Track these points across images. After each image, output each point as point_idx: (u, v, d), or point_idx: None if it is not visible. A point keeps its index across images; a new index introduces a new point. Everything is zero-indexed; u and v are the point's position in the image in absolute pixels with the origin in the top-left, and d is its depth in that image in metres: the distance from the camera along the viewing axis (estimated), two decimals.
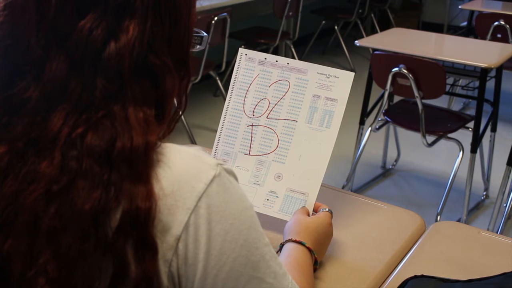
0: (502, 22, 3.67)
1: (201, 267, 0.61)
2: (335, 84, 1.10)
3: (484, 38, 3.73)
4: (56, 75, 0.61)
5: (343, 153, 3.23)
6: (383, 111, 2.84)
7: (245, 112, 1.13)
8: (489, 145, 3.08)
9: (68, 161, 0.59)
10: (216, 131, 1.15)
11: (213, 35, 3.43)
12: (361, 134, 3.02)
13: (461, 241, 1.13)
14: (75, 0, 0.61)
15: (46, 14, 0.61)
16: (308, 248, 0.94)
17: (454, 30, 6.27)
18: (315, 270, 0.96)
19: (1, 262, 0.58)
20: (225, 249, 0.62)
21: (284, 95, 1.12)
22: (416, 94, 2.60)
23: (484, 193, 3.05)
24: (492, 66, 2.61)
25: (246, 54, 1.15)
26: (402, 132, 3.20)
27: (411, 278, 0.96)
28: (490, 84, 2.85)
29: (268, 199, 1.10)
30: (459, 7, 4.60)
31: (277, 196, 1.09)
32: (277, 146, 1.11)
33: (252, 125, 1.13)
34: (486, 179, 3.06)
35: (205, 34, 0.82)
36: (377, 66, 2.76)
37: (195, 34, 0.75)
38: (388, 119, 2.84)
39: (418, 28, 6.17)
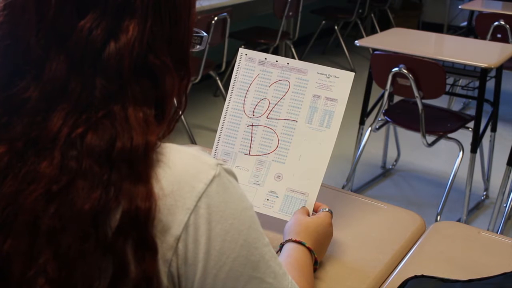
0: (502, 22, 3.67)
1: (201, 267, 0.61)
2: (335, 84, 1.10)
3: (484, 38, 3.73)
4: (56, 75, 0.61)
5: (343, 153, 3.23)
6: (383, 111, 2.84)
7: (245, 112, 1.13)
8: (489, 145, 3.08)
9: (68, 161, 0.59)
10: (216, 131, 1.15)
11: (213, 35, 3.43)
12: (361, 134, 3.02)
13: (461, 241, 1.13)
14: (75, 0, 0.61)
15: (46, 14, 0.61)
16: (308, 248, 0.94)
17: (454, 30, 6.27)
18: (315, 270, 0.96)
19: (1, 262, 0.58)
20: (225, 249, 0.62)
21: (284, 95, 1.12)
22: (416, 94, 2.60)
23: (484, 193, 3.05)
24: (492, 66, 2.61)
25: (246, 54, 1.15)
26: (402, 132, 3.20)
27: (411, 278, 0.96)
28: (490, 84, 2.85)
29: (268, 199, 1.10)
30: (459, 7, 4.60)
31: (277, 196, 1.09)
32: (277, 146, 1.11)
33: (252, 125, 1.13)
34: (486, 179, 3.06)
35: (205, 34, 0.82)
36: (377, 66, 2.76)
37: (195, 34, 0.75)
38: (388, 119, 2.84)
39: (418, 28, 6.17)
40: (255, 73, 1.14)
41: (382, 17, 6.18)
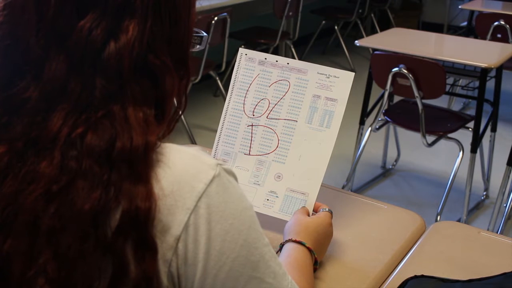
0: (502, 22, 3.67)
1: (201, 267, 0.61)
2: (335, 84, 1.10)
3: (484, 38, 3.73)
4: (56, 75, 0.61)
5: (343, 153, 3.23)
6: (383, 111, 2.84)
7: (245, 112, 1.13)
8: (489, 145, 3.08)
9: (67, 161, 0.59)
10: (216, 131, 1.15)
11: (213, 35, 3.43)
12: (361, 134, 3.02)
13: (461, 241, 1.13)
14: (75, 0, 0.61)
15: (46, 14, 0.61)
16: (308, 248, 0.94)
17: (454, 30, 6.27)
18: (315, 270, 0.96)
19: (1, 262, 0.58)
20: (225, 249, 0.62)
21: (284, 95, 1.12)
22: (416, 94, 2.60)
23: (484, 193, 3.05)
24: (492, 66, 2.61)
25: (246, 54, 1.15)
26: (402, 132, 3.20)
27: (411, 278, 0.96)
28: (490, 84, 2.85)
29: (268, 199, 1.10)
30: (459, 7, 4.60)
31: (277, 196, 1.09)
32: (277, 146, 1.11)
33: (252, 125, 1.13)
34: (486, 179, 3.06)
35: (205, 34, 0.82)
36: (377, 66, 2.76)
37: (195, 34, 0.75)
38: (388, 119, 2.84)
39: (418, 28, 6.17)
40: (255, 73, 1.14)
41: (382, 17, 6.18)
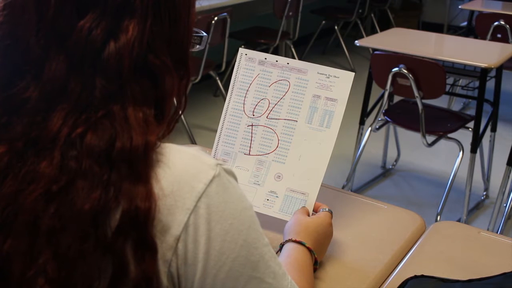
0: (502, 22, 3.67)
1: (201, 267, 0.61)
2: (335, 84, 1.10)
3: (484, 38, 3.73)
4: (56, 75, 0.61)
5: (343, 153, 3.23)
6: (383, 111, 2.84)
7: (245, 112, 1.13)
8: (489, 145, 3.08)
9: (67, 161, 0.59)
10: (216, 131, 1.15)
11: (213, 35, 3.43)
12: (361, 134, 3.02)
13: (461, 241, 1.13)
14: (75, 0, 0.61)
15: (46, 14, 0.61)
16: (308, 248, 0.94)
17: (454, 30, 6.27)
18: (315, 270, 0.96)
19: (1, 262, 0.58)
20: (225, 249, 0.62)
21: (284, 95, 1.12)
22: (416, 94, 2.60)
23: (484, 193, 3.05)
24: (492, 66, 2.61)
25: (246, 54, 1.15)
26: (402, 132, 3.20)
27: (411, 278, 0.96)
28: (490, 84, 2.85)
29: (268, 199, 1.10)
30: (459, 7, 4.60)
31: (277, 196, 1.09)
32: (277, 146, 1.11)
33: (252, 125, 1.13)
34: (486, 179, 3.06)
35: (204, 34, 0.82)
36: (377, 66, 2.76)
37: (194, 34, 0.75)
38: (388, 119, 2.84)
39: (418, 28, 6.17)
40: (255, 73, 1.14)
41: (382, 17, 6.18)
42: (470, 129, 2.73)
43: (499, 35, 3.71)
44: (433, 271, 0.99)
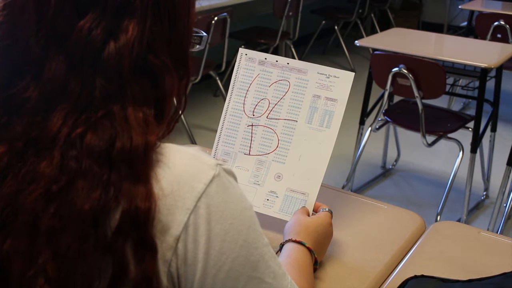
0: (502, 22, 3.67)
1: (201, 267, 0.61)
2: (335, 84, 1.10)
3: (484, 38, 3.73)
4: (56, 75, 0.61)
5: (343, 153, 3.23)
6: (383, 111, 2.84)
7: (245, 112, 1.13)
8: (489, 145, 3.08)
9: (67, 161, 0.59)
10: (216, 131, 1.15)
11: (213, 35, 3.43)
12: (361, 134, 3.02)
13: (461, 241, 1.13)
14: (75, 0, 0.61)
15: (46, 14, 0.61)
16: (308, 248, 0.94)
17: (454, 30, 6.27)
18: (315, 270, 0.96)
19: (1, 262, 0.58)
20: (225, 249, 0.62)
21: (284, 95, 1.12)
22: (416, 94, 2.60)
23: (484, 193, 3.05)
24: (492, 66, 2.60)
25: (246, 54, 1.15)
26: (402, 132, 3.20)
27: (411, 278, 0.96)
28: (490, 84, 2.85)
29: (268, 199, 1.10)
30: (459, 7, 4.60)
31: (277, 196, 1.09)
32: (277, 146, 1.11)
33: (252, 125, 1.13)
34: (486, 179, 3.06)
35: (204, 34, 0.82)
36: (377, 66, 2.76)
37: (194, 34, 0.75)
38: (388, 119, 2.84)
39: (418, 28, 6.17)
40: (255, 73, 1.14)
41: (382, 17, 6.18)
42: (470, 129, 2.73)
43: (499, 35, 3.71)
44: (433, 271, 0.99)
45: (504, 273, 0.97)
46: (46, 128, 0.60)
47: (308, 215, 1.04)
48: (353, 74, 1.10)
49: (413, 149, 3.49)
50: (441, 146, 3.13)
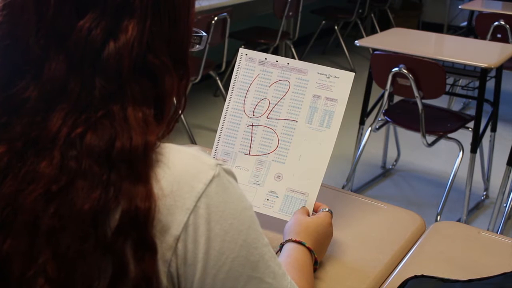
0: (502, 22, 3.67)
1: (200, 267, 0.61)
2: (335, 84, 1.10)
3: (484, 38, 3.73)
4: (55, 75, 0.61)
5: (343, 153, 3.23)
6: (383, 111, 2.84)
7: (245, 112, 1.13)
8: (489, 145, 3.08)
9: (67, 161, 0.59)
10: (216, 131, 1.15)
11: (213, 35, 3.43)
12: (361, 134, 3.02)
13: (461, 241, 1.13)
14: (74, 0, 0.61)
15: (45, 14, 0.61)
16: (308, 248, 0.94)
17: (454, 30, 6.27)
18: (315, 270, 0.96)
19: (1, 262, 0.58)
20: (224, 249, 0.62)
21: (284, 95, 1.12)
22: (416, 94, 2.60)
23: (484, 193, 3.05)
24: (492, 66, 2.60)
25: (246, 54, 1.15)
26: (402, 132, 3.20)
27: (411, 278, 0.96)
28: (490, 84, 2.85)
29: (268, 199, 1.10)
30: (459, 7, 4.60)
31: (277, 196, 1.09)
32: (277, 146, 1.11)
33: (252, 125, 1.13)
34: (486, 179, 3.06)
35: (204, 34, 0.82)
36: (377, 66, 2.76)
37: (194, 34, 0.75)
38: (388, 119, 2.84)
39: (418, 28, 6.17)
40: (255, 73, 1.14)
41: (382, 17, 6.18)
42: (470, 129, 2.73)
43: (499, 35, 3.71)
44: (433, 271, 0.99)
45: (504, 273, 0.97)
46: (46, 128, 0.60)
47: (308, 215, 1.04)
48: (353, 74, 1.10)
49: (413, 149, 3.49)
50: (441, 146, 3.13)
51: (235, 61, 1.16)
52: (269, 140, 1.11)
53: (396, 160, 3.39)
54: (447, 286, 0.95)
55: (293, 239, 0.95)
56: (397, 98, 3.05)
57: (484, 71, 2.65)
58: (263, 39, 4.38)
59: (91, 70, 0.61)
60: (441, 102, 3.20)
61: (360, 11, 5.37)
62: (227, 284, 0.62)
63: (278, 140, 1.11)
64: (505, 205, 2.71)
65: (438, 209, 2.72)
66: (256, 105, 1.13)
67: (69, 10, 0.61)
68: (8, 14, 0.62)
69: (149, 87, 0.64)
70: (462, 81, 3.75)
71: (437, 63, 2.57)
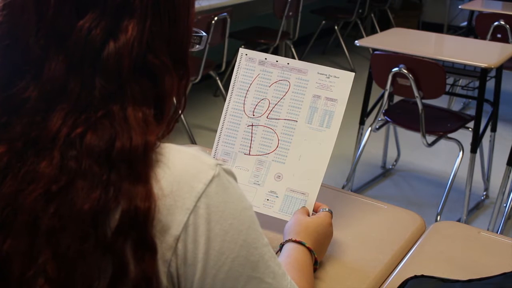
0: (502, 22, 3.67)
1: (200, 267, 0.61)
2: (335, 84, 1.10)
3: (484, 38, 3.73)
4: (55, 75, 0.61)
5: (343, 153, 3.23)
6: (383, 111, 2.84)
7: (245, 112, 1.13)
8: (489, 145, 3.08)
9: (67, 161, 0.59)
10: (216, 131, 1.15)
11: (213, 35, 3.43)
12: (361, 134, 3.02)
13: (461, 241, 1.13)
14: (74, 0, 0.61)
15: (45, 14, 0.61)
16: (308, 248, 0.94)
17: (454, 30, 6.27)
18: (315, 270, 0.96)
19: (1, 262, 0.58)
20: (224, 249, 0.62)
21: (284, 95, 1.12)
22: (416, 94, 2.60)
23: (484, 193, 3.05)
24: (492, 66, 2.61)
25: (246, 54, 1.15)
26: (402, 132, 3.20)
27: (411, 278, 0.96)
28: (490, 84, 2.85)
29: (268, 199, 1.10)
30: (459, 7, 4.60)
31: (277, 196, 1.09)
32: (277, 146, 1.11)
33: (252, 125, 1.13)
34: (486, 179, 3.06)
35: (204, 34, 0.82)
36: (377, 66, 2.76)
37: (194, 34, 0.75)
38: (388, 119, 2.84)
39: (418, 28, 6.17)
40: (255, 73, 1.14)
41: (382, 17, 6.18)
42: (470, 129, 2.73)
43: (499, 35, 3.71)
44: (433, 271, 0.99)
45: (504, 273, 0.97)
46: (46, 128, 0.60)
47: (308, 215, 1.04)
48: (353, 74, 1.10)
49: (413, 149, 3.49)
50: (441, 146, 3.13)
51: (235, 61, 1.16)
52: (269, 140, 1.11)
53: (396, 160, 3.39)
54: (447, 286, 0.95)
55: (293, 239, 0.95)
56: (397, 98, 3.05)
57: (484, 71, 2.65)
58: (263, 39, 4.38)
59: (91, 70, 0.61)
60: (441, 102, 3.20)
61: (360, 11, 5.37)
62: (227, 284, 0.62)
63: (278, 140, 1.11)
64: (505, 205, 2.71)
65: (438, 209, 2.72)
66: (256, 105, 1.13)
67: (69, 10, 0.61)
68: (8, 14, 0.62)
69: (149, 87, 0.64)
70: (462, 81, 3.75)
71: (437, 63, 2.57)
